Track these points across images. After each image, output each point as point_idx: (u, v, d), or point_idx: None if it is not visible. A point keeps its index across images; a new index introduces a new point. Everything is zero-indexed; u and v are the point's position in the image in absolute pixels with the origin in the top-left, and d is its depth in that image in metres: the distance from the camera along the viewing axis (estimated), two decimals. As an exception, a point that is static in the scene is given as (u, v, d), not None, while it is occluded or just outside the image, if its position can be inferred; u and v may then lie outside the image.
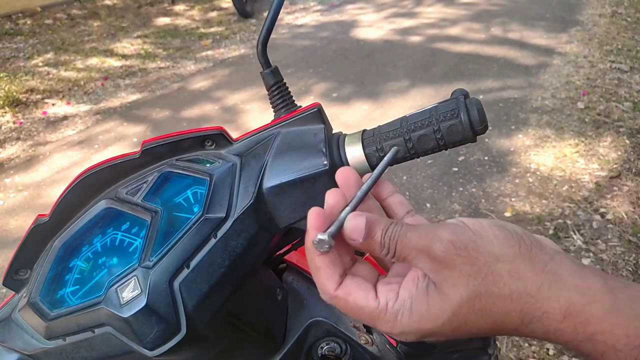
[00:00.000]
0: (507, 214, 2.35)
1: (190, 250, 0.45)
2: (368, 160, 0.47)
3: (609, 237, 2.16)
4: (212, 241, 0.46)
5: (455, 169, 2.72)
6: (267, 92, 0.54)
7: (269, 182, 0.48)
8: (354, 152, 0.47)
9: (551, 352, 1.68)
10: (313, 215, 0.37)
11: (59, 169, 2.93)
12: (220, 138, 0.51)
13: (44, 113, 3.67)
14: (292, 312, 0.62)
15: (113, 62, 4.72)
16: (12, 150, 3.19)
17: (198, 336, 0.46)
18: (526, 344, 1.72)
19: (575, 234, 2.18)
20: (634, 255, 2.05)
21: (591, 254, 2.07)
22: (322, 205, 0.48)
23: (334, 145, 0.48)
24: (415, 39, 4.90)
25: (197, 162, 0.51)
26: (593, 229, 2.21)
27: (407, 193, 2.55)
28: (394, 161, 0.45)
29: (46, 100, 3.88)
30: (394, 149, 0.44)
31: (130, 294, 0.44)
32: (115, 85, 4.19)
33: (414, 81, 3.84)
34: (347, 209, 0.38)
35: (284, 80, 0.53)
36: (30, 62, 4.70)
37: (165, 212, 0.48)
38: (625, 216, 2.26)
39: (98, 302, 0.46)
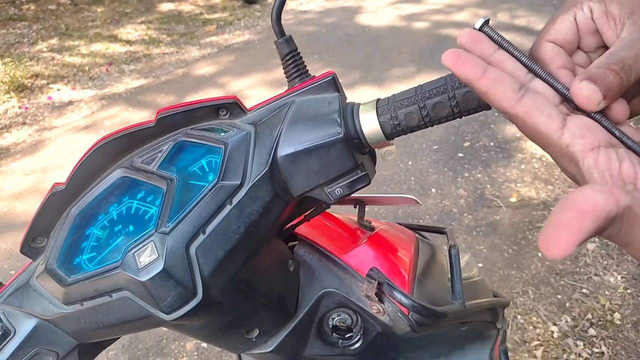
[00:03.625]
0: (513, 199, 2.35)
1: (206, 217, 0.46)
2: (382, 128, 0.47)
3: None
4: (228, 207, 0.46)
5: (461, 155, 2.71)
6: (280, 62, 0.54)
7: (283, 150, 0.48)
8: (368, 120, 0.47)
9: (555, 334, 1.69)
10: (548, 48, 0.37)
11: (64, 153, 2.94)
12: (234, 107, 0.51)
13: (49, 98, 3.67)
14: (304, 283, 0.62)
15: (117, 48, 4.71)
16: (18, 135, 3.20)
17: (213, 302, 0.47)
18: (531, 327, 1.73)
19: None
20: None
21: (596, 239, 2.07)
22: (336, 173, 0.49)
23: (348, 113, 0.48)
24: (420, 25, 4.87)
25: (211, 130, 0.51)
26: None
27: (413, 178, 2.56)
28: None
29: (51, 86, 3.88)
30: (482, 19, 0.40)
31: (148, 258, 0.45)
32: (120, 70, 4.18)
33: (419, 67, 3.82)
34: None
35: (298, 50, 0.53)
36: (34, 48, 4.69)
37: (181, 180, 0.48)
38: (631, 202, 2.26)
39: (116, 267, 0.46)
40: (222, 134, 0.50)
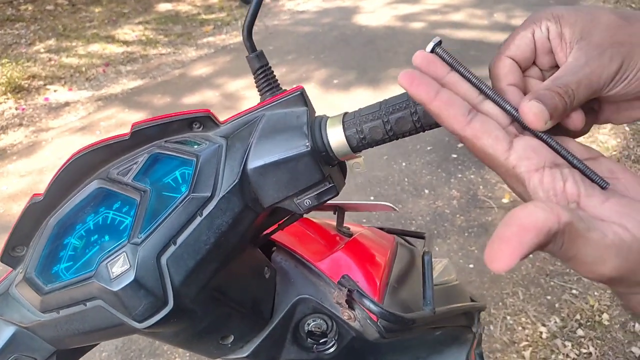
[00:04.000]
0: (505, 200, 2.36)
1: (177, 228, 0.47)
2: (348, 141, 0.49)
3: (606, 223, 2.17)
4: (198, 219, 0.48)
5: (455, 156, 2.73)
6: (274, 64, 0.56)
7: (253, 163, 0.49)
8: (335, 134, 0.49)
9: (544, 335, 1.71)
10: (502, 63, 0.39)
11: (60, 154, 2.96)
12: (207, 120, 0.52)
13: (46, 99, 3.69)
14: (280, 289, 0.64)
15: (114, 49, 4.72)
16: (14, 136, 3.21)
17: (185, 310, 0.49)
18: (520, 328, 1.75)
19: (571, 220, 2.19)
20: (629, 241, 2.07)
21: (587, 240, 2.08)
22: (304, 185, 0.50)
23: (315, 127, 0.50)
24: (417, 25, 4.88)
25: (185, 143, 0.52)
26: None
27: (406, 179, 2.57)
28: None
29: (48, 87, 3.90)
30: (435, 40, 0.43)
31: (120, 268, 0.47)
32: (117, 71, 4.20)
33: (415, 68, 3.83)
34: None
35: (269, 65, 0.55)
36: (32, 49, 4.70)
37: (154, 192, 0.50)
38: (622, 203, 2.28)
39: (90, 277, 0.48)
40: (195, 146, 0.52)
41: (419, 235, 0.87)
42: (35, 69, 4.20)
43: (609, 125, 2.87)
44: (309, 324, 0.64)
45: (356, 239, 0.73)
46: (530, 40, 0.39)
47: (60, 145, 3.06)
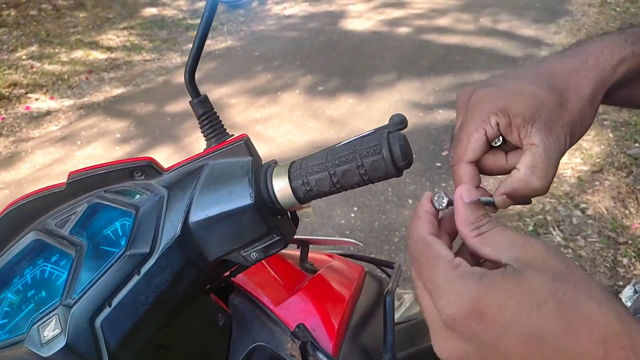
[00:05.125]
0: (489, 210, 2.35)
1: (112, 288, 0.45)
2: (295, 193, 0.46)
3: (589, 232, 2.17)
4: (136, 278, 0.45)
5: (439, 164, 2.72)
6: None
7: (195, 216, 0.47)
8: (281, 186, 0.47)
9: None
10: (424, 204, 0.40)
11: (40, 166, 2.91)
12: (149, 169, 0.50)
13: (27, 108, 3.63)
14: (236, 336, 0.61)
15: (98, 55, 4.66)
16: (-6, 146, 3.16)
17: (124, 373, 0.46)
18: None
19: (554, 230, 2.19)
20: (612, 251, 2.07)
21: (570, 250, 2.08)
22: (249, 238, 0.48)
23: (261, 177, 0.47)
24: (403, 30, 4.87)
25: (125, 193, 0.50)
26: (573, 224, 2.22)
27: (390, 189, 2.55)
28: None
29: (29, 95, 3.83)
30: None
31: (51, 332, 0.44)
32: (100, 78, 4.14)
33: (401, 74, 3.83)
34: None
35: (214, 110, 0.52)
36: (13, 55, 4.63)
37: (91, 246, 0.47)
38: (605, 211, 2.28)
39: (21, 340, 0.45)
40: (137, 196, 0.49)
41: (388, 265, 0.85)
42: (16, 76, 4.14)
43: (592, 132, 2.87)
44: (266, 372, 0.61)
45: (320, 275, 0.71)
46: (484, 140, 0.42)
47: (40, 157, 3.01)
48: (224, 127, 0.53)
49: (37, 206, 0.51)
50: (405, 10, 5.49)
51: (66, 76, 4.17)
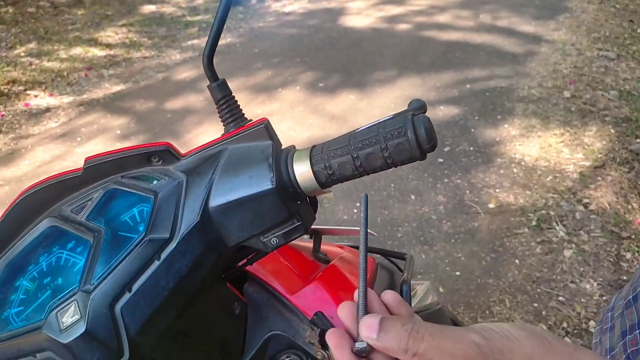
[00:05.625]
0: (491, 205, 2.35)
1: (132, 273, 0.44)
2: (316, 177, 0.46)
3: (592, 227, 2.17)
4: (156, 263, 0.45)
5: (441, 160, 2.71)
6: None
7: (215, 201, 0.46)
8: (302, 170, 0.46)
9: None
10: (333, 337, 0.37)
11: (40, 162, 2.89)
12: (166, 154, 0.49)
13: (26, 105, 3.61)
14: (252, 324, 0.61)
15: (97, 52, 4.64)
16: (-7, 143, 3.14)
17: (144, 359, 0.45)
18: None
19: (557, 225, 2.19)
20: (615, 246, 2.07)
21: (573, 245, 2.08)
22: (270, 223, 0.47)
23: (281, 162, 0.47)
24: (403, 26, 4.86)
25: (142, 179, 0.49)
26: (576, 219, 2.22)
27: (392, 185, 2.55)
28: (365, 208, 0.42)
29: (28, 92, 3.81)
30: (363, 198, 0.42)
31: (70, 319, 0.43)
32: (99, 75, 4.12)
33: (401, 70, 3.82)
34: (360, 309, 0.38)
35: (232, 94, 0.52)
36: (12, 52, 4.61)
37: (109, 232, 0.46)
38: (608, 206, 2.28)
39: (39, 327, 0.44)
40: (155, 182, 0.49)
41: (400, 257, 0.84)
42: (15, 73, 4.11)
43: (594, 128, 2.88)
44: (282, 361, 0.61)
45: (333, 265, 0.70)
46: None
47: (40, 153, 3.00)
48: (242, 111, 0.52)
49: (52, 192, 0.50)
50: (405, 7, 5.47)
51: (65, 73, 4.15)
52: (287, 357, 0.60)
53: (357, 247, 0.86)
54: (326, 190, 0.48)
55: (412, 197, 2.46)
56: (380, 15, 5.26)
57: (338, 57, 4.17)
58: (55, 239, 0.50)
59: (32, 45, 4.82)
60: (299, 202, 0.49)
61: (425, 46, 4.29)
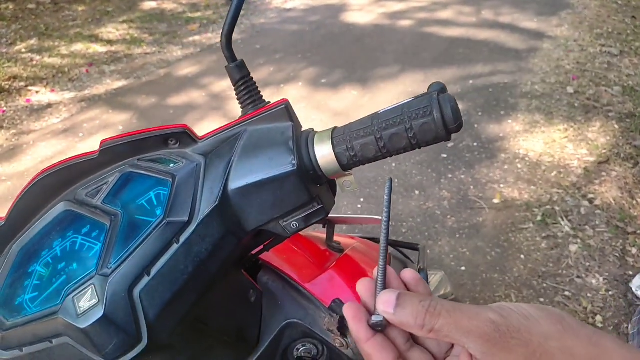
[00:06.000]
0: (496, 201, 2.34)
1: (150, 257, 0.43)
2: (338, 159, 0.45)
3: (597, 223, 2.16)
4: (175, 247, 0.44)
5: (445, 156, 2.70)
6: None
7: (234, 183, 0.45)
8: (324, 152, 0.45)
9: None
10: (350, 310, 0.37)
11: (42, 158, 2.88)
12: (184, 136, 0.48)
13: (28, 101, 3.60)
14: (267, 313, 0.60)
15: (98, 48, 4.63)
16: (-5, 139, 3.13)
17: (162, 345, 0.45)
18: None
19: (563, 220, 2.18)
20: (621, 241, 2.06)
21: (579, 240, 2.07)
22: (290, 206, 0.46)
23: (302, 143, 0.46)
24: (405, 23, 4.85)
25: (159, 162, 0.48)
26: (581, 215, 2.21)
27: (396, 180, 2.54)
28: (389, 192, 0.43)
29: (30, 88, 3.80)
30: (388, 182, 0.43)
31: (87, 303, 0.42)
32: (100, 71, 4.11)
33: (404, 66, 3.80)
34: (379, 284, 0.38)
35: (251, 75, 0.51)
36: (13, 49, 4.59)
37: (126, 216, 0.46)
38: (613, 202, 2.27)
39: (55, 312, 0.43)
40: (171, 165, 0.48)
41: (412, 247, 0.83)
42: (16, 69, 4.10)
43: (598, 123, 2.86)
44: (298, 349, 0.60)
45: (347, 254, 0.70)
46: None
47: (42, 149, 2.98)
48: (261, 93, 0.51)
49: (67, 176, 0.49)
50: (406, 3, 5.46)
51: (66, 69, 4.13)
52: (302, 346, 0.60)
53: (368, 239, 0.85)
54: (348, 173, 0.47)
55: (416, 192, 2.45)
56: (382, 11, 5.24)
57: (340, 54, 4.16)
58: (69, 223, 0.49)
59: (33, 41, 4.80)
60: (319, 186, 0.48)
61: (427, 42, 4.28)
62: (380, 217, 0.81)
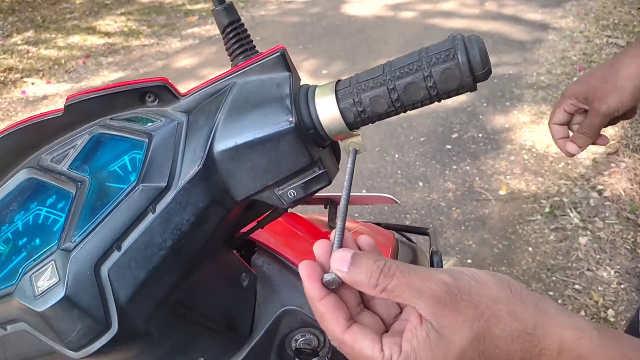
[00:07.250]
0: (502, 192, 2.27)
1: (121, 228, 0.36)
2: (343, 116, 0.38)
3: (607, 214, 2.10)
4: (150, 217, 0.37)
5: (449, 147, 2.64)
6: (221, 35, 0.44)
7: (221, 144, 0.39)
8: (327, 107, 0.38)
9: None
10: (305, 268, 0.36)
11: (37, 149, 2.82)
12: (163, 92, 0.41)
13: (23, 92, 3.54)
14: (262, 299, 0.53)
15: (95, 40, 4.56)
16: (-11, 130, 3.07)
17: (136, 333, 0.38)
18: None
19: (572, 211, 2.11)
20: (632, 233, 1.99)
21: (589, 232, 2.01)
22: (287, 171, 0.40)
23: (301, 98, 0.39)
24: (407, 14, 4.77)
25: (135, 121, 0.41)
26: (590, 206, 2.15)
27: (399, 172, 2.47)
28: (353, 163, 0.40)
29: (25, 80, 3.74)
30: (352, 150, 0.40)
31: (47, 282, 0.36)
32: (97, 63, 4.04)
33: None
34: (335, 244, 0.37)
35: (242, 21, 0.44)
36: (9, 41, 4.53)
37: (95, 182, 0.39)
38: (623, 193, 2.20)
39: (9, 293, 0.37)
40: (148, 124, 0.41)
41: (422, 232, 0.77)
42: (12, 61, 4.04)
43: (606, 114, 2.79)
44: (297, 340, 0.53)
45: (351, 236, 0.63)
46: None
47: (36, 140, 2.93)
48: (253, 42, 0.44)
49: (29, 138, 0.43)
50: (409, -5, 5.38)
51: (63, 61, 4.07)
52: (302, 336, 0.53)
53: (375, 224, 0.79)
54: (354, 133, 0.40)
55: (420, 183, 2.39)
56: (384, 2, 5.16)
57: (341, 45, 4.09)
58: (33, 193, 0.42)
59: (30, 33, 4.74)
60: (320, 148, 0.41)
61: (430, 34, 4.20)
62: (390, 196, 0.75)
